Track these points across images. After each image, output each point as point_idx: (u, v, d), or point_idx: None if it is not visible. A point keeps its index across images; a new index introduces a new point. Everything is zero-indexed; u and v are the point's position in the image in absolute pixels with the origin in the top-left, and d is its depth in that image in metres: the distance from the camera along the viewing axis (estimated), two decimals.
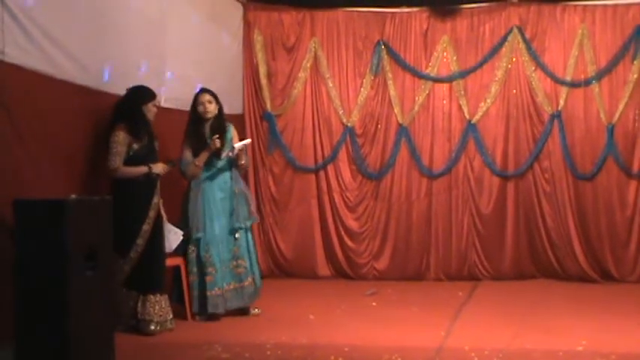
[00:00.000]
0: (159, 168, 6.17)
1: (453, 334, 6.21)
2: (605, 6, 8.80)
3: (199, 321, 6.69)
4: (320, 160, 9.26)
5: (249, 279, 6.86)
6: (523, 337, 6.06)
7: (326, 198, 9.24)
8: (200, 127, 6.77)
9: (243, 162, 6.84)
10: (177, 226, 6.60)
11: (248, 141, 7.15)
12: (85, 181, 5.93)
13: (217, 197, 6.77)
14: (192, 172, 6.73)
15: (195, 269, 6.71)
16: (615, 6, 8.78)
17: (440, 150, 9.09)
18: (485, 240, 9.02)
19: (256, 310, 6.99)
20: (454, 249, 9.04)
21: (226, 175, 6.83)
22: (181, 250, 6.70)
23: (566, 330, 6.33)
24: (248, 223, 6.92)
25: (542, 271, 8.95)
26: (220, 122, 6.84)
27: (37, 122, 5.32)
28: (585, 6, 8.85)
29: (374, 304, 7.64)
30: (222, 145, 6.75)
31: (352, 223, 9.22)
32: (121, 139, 6.01)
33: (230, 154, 6.75)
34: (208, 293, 6.65)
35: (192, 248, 6.72)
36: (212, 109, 6.78)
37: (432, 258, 9.06)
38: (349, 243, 9.20)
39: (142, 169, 6.08)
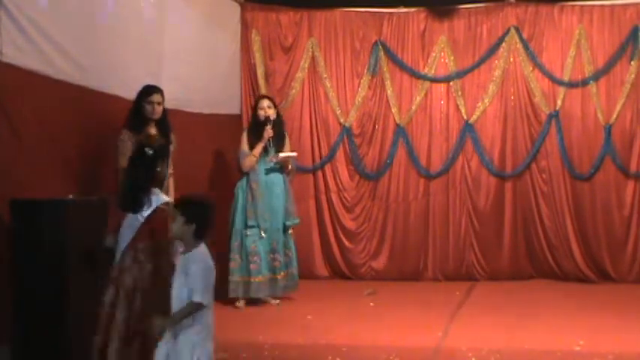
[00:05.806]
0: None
1: (450, 335, 6.21)
2: (602, 6, 8.80)
3: (237, 306, 7.29)
4: (317, 161, 9.25)
5: (283, 273, 7.52)
6: (521, 337, 6.07)
7: (323, 198, 9.23)
8: (259, 127, 7.48)
9: (288, 170, 7.62)
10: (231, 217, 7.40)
11: (294, 154, 7.73)
12: (83, 181, 5.92)
13: (271, 194, 7.49)
14: (250, 162, 7.44)
15: (237, 256, 7.35)
16: (612, 6, 8.78)
17: (437, 150, 9.09)
18: (482, 240, 9.02)
19: (278, 301, 7.52)
20: (451, 249, 9.03)
21: (280, 175, 7.57)
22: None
23: (564, 330, 6.34)
24: (290, 223, 7.66)
25: (539, 271, 8.95)
26: (279, 125, 7.64)
27: (35, 122, 5.33)
28: (583, 6, 8.85)
29: (371, 304, 7.64)
30: (275, 137, 7.48)
31: (350, 224, 9.21)
32: (124, 137, 6.00)
33: (274, 159, 7.48)
34: (252, 279, 7.31)
35: (237, 237, 7.38)
36: (271, 113, 7.52)
37: (429, 258, 9.05)
38: (347, 243, 9.19)
39: None
